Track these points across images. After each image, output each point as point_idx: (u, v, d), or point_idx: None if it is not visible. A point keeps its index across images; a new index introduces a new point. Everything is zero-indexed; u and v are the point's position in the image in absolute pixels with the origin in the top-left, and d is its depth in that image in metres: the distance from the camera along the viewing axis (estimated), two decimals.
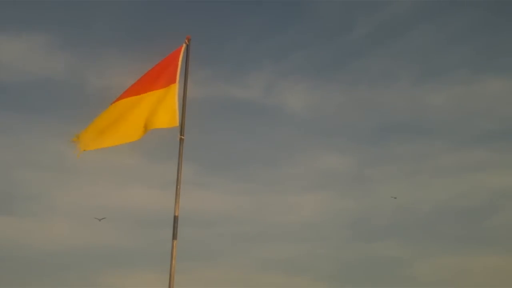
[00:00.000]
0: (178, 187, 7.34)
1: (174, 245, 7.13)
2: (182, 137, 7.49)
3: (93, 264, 19.66)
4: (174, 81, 7.64)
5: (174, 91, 7.59)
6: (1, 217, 20.38)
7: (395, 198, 19.44)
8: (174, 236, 7.16)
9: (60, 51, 26.21)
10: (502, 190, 24.14)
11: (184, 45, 7.90)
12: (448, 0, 28.70)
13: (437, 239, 23.16)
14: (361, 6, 28.65)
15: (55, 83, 25.52)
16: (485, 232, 23.09)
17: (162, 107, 7.57)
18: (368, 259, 22.12)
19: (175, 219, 7.23)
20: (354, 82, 28.85)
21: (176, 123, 7.41)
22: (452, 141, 26.69)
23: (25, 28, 25.64)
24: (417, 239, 23.33)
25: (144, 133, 7.60)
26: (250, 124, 26.46)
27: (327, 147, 26.28)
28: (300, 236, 21.70)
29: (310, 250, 22.41)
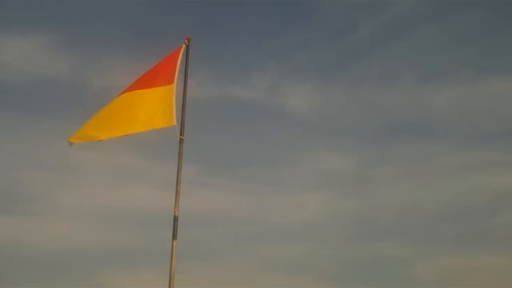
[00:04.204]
0: (178, 187, 7.36)
1: (174, 245, 7.16)
2: (182, 137, 7.49)
3: (93, 264, 19.63)
4: (172, 82, 7.63)
5: (171, 91, 7.58)
6: (3, 217, 20.43)
7: None
8: (174, 236, 7.19)
9: (63, 51, 26.21)
10: (504, 190, 24.11)
11: (184, 46, 7.90)
12: (451, 0, 28.70)
13: (439, 239, 23.12)
14: (364, 6, 28.63)
15: (58, 83, 25.52)
16: (487, 232, 23.05)
17: (160, 108, 7.56)
18: (370, 259, 22.08)
19: (175, 219, 7.26)
20: (357, 82, 28.81)
21: (174, 122, 7.39)
22: (455, 141, 26.62)
23: (28, 29, 25.67)
24: (419, 239, 23.29)
25: (141, 129, 7.56)
26: (253, 124, 26.43)
27: (329, 147, 26.23)
28: (302, 236, 21.65)
29: (312, 250, 22.39)
